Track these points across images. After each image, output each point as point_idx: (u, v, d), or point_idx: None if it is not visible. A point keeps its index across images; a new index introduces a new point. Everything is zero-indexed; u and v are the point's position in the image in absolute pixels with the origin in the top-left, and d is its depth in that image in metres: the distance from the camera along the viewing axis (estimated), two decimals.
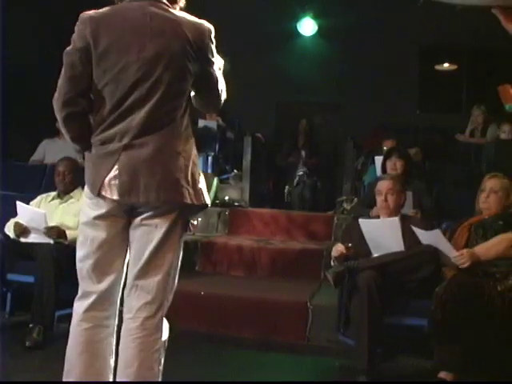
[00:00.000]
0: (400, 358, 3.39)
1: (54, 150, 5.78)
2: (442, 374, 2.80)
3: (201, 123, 7.57)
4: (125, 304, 2.09)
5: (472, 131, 6.98)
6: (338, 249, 3.34)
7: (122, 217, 2.06)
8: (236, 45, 8.45)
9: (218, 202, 6.25)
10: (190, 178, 2.04)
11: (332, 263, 3.39)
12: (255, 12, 8.52)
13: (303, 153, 7.37)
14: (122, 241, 2.09)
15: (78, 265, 2.10)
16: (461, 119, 7.40)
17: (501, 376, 2.80)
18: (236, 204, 6.22)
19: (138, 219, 2.04)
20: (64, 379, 2.06)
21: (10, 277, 3.80)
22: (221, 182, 6.64)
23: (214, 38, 2.12)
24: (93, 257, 2.06)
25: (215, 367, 3.21)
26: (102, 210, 2.04)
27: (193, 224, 5.59)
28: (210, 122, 7.59)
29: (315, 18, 8.96)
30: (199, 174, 2.11)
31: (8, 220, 3.93)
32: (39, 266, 3.57)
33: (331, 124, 8.94)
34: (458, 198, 4.35)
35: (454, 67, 9.21)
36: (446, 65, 9.32)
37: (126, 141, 1.98)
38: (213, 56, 2.13)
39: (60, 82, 2.02)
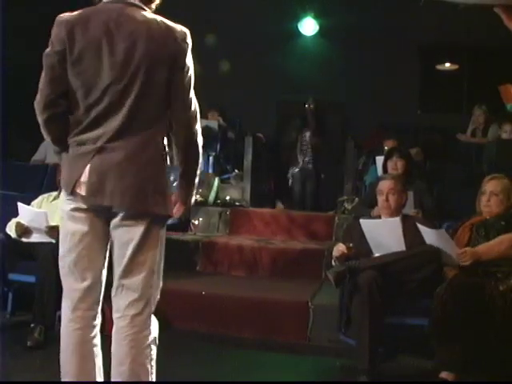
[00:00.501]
0: (401, 357, 3.39)
1: None
2: (444, 374, 2.80)
3: (202, 123, 7.55)
4: (113, 304, 2.12)
5: (473, 131, 6.97)
6: (339, 249, 3.34)
7: (100, 212, 2.06)
8: (237, 45, 8.47)
9: (218, 201, 6.25)
10: (159, 187, 2.06)
11: (333, 263, 3.39)
12: (256, 12, 8.52)
13: (307, 134, 7.26)
14: (102, 236, 2.10)
15: (60, 263, 2.12)
16: (462, 119, 7.39)
17: (501, 376, 2.80)
18: (237, 204, 6.23)
19: (117, 219, 2.06)
20: (62, 379, 2.08)
21: (12, 277, 3.81)
22: (222, 181, 6.64)
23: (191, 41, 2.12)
24: (75, 250, 2.07)
25: (216, 367, 3.21)
26: (79, 204, 2.05)
27: (194, 224, 5.61)
28: (211, 122, 7.60)
29: (316, 17, 8.97)
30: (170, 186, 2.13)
31: (9, 220, 3.93)
32: (40, 265, 3.57)
33: (332, 124, 8.93)
34: (459, 197, 4.35)
35: (455, 67, 9.22)
36: (447, 64, 9.32)
37: (100, 143, 2.00)
38: (188, 63, 2.11)
39: (41, 84, 2.04)
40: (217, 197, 6.33)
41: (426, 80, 8.95)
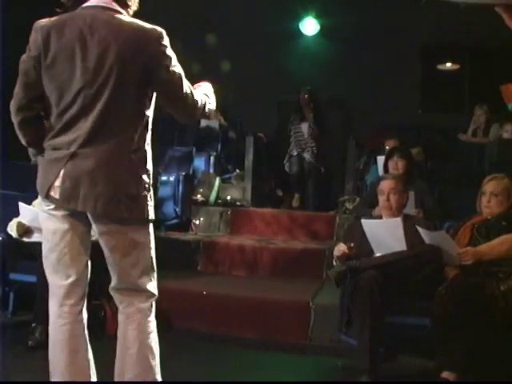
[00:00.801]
0: (402, 357, 3.38)
1: None
2: (445, 374, 2.79)
3: (203, 123, 7.57)
4: (116, 297, 2.20)
5: (474, 131, 6.97)
6: (341, 248, 3.34)
7: (78, 213, 2.09)
8: (238, 45, 8.47)
9: (219, 201, 6.26)
10: (132, 192, 2.07)
11: (334, 263, 3.39)
12: (257, 12, 8.52)
13: (304, 126, 7.03)
14: (83, 232, 2.15)
15: (44, 262, 2.19)
16: (463, 119, 7.39)
17: (502, 376, 2.80)
18: (238, 204, 6.23)
19: (100, 226, 2.10)
20: (51, 380, 2.14)
21: (13, 276, 3.81)
22: (223, 181, 6.64)
23: (167, 43, 2.10)
24: (56, 249, 2.13)
25: (217, 367, 3.21)
26: (56, 205, 2.11)
27: (195, 224, 5.62)
28: (212, 122, 7.60)
29: (317, 17, 8.95)
30: (147, 190, 2.13)
31: (10, 220, 3.93)
32: (41, 265, 3.56)
33: (333, 124, 8.93)
34: (460, 197, 4.35)
35: (456, 67, 9.20)
36: (448, 64, 9.31)
37: (73, 149, 2.03)
38: (170, 62, 2.09)
39: (16, 88, 2.10)
40: (218, 197, 6.33)
41: (427, 80, 8.93)
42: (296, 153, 6.97)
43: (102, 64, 2.01)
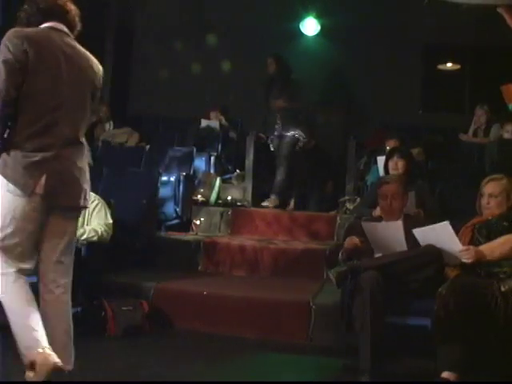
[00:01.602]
0: (402, 357, 3.38)
1: None
2: (445, 374, 2.79)
3: (203, 123, 7.58)
4: (47, 277, 2.47)
5: (475, 131, 6.97)
6: (353, 241, 3.36)
7: (44, 206, 2.39)
8: (238, 45, 8.47)
9: (220, 201, 6.25)
10: (88, 188, 2.55)
11: (340, 256, 3.42)
12: (257, 12, 8.52)
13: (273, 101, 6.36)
14: (41, 216, 2.40)
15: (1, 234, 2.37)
16: (464, 119, 7.39)
17: (502, 376, 2.79)
18: (238, 204, 6.22)
19: (57, 215, 2.43)
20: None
21: None
22: (223, 181, 6.64)
23: None
24: (13, 223, 2.34)
25: (217, 367, 3.21)
26: (33, 199, 2.36)
27: (195, 224, 5.61)
28: (212, 122, 7.61)
29: (318, 17, 8.95)
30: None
31: None
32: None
33: (334, 124, 8.93)
34: (461, 197, 4.34)
35: (457, 67, 9.21)
36: (448, 64, 9.31)
37: (53, 151, 2.35)
38: (100, 82, 2.61)
39: (3, 85, 2.28)
40: (218, 197, 6.33)
41: (427, 80, 8.93)
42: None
43: (80, 79, 2.45)
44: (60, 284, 2.46)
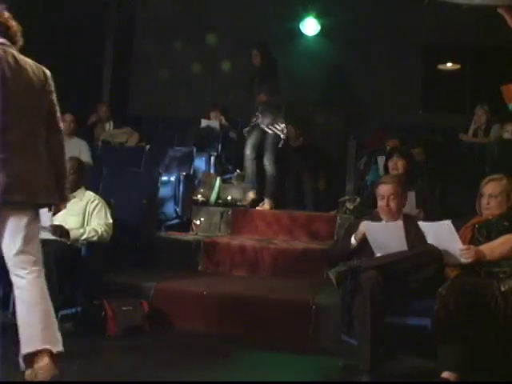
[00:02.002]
0: (402, 357, 3.38)
1: None
2: (445, 374, 2.79)
3: (203, 123, 7.58)
4: (16, 265, 2.63)
5: (475, 131, 6.97)
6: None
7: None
8: (238, 45, 8.46)
9: (220, 201, 6.25)
10: (49, 184, 2.73)
11: (353, 239, 3.48)
12: (257, 12, 8.51)
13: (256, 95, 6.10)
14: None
15: None
16: (464, 119, 7.39)
17: (502, 376, 2.79)
18: (238, 204, 6.22)
19: (12, 210, 2.63)
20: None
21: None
22: (223, 181, 6.63)
23: None
24: None
25: (217, 367, 3.20)
26: None
27: (195, 224, 5.61)
28: (212, 122, 7.60)
29: (318, 17, 8.95)
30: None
31: None
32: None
33: (334, 124, 8.93)
34: (461, 197, 4.34)
35: (457, 67, 9.21)
36: (448, 64, 9.31)
37: (9, 153, 2.57)
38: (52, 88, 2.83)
39: None
40: (218, 197, 6.32)
41: (427, 80, 8.93)
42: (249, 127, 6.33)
43: (25, 91, 2.66)
44: (31, 270, 2.64)
